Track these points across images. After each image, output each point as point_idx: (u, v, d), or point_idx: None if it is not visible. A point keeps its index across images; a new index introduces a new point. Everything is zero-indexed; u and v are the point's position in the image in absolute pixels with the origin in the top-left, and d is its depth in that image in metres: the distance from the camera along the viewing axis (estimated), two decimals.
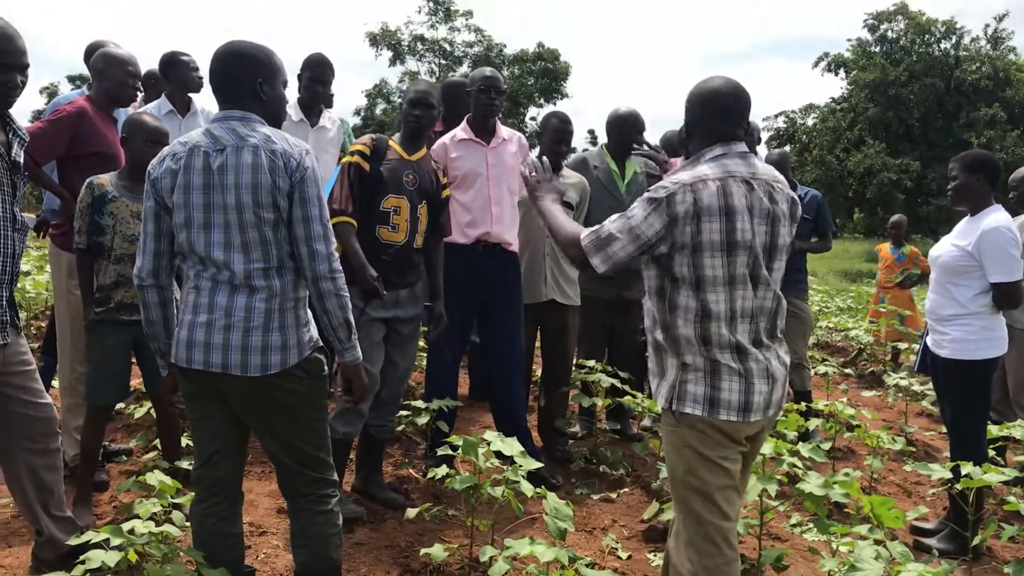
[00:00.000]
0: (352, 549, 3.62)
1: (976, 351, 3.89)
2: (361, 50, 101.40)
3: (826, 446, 4.36)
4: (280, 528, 3.77)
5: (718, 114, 2.56)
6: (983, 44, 40.92)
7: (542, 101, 41.39)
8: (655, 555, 3.72)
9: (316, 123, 5.02)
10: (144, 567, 2.80)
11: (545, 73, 41.32)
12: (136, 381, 4.42)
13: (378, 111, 41.85)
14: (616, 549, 3.79)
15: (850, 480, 3.31)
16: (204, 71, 4.53)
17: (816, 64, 43.72)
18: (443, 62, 41.97)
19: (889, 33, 41.71)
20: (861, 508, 3.27)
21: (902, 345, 8.16)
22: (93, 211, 3.65)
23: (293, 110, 5.01)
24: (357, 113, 42.43)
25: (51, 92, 44.47)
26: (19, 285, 5.61)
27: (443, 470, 3.44)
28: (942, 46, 41.07)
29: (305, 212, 2.57)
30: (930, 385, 6.44)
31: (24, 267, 9.11)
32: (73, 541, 2.85)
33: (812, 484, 3.29)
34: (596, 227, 2.55)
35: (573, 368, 5.10)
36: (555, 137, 4.80)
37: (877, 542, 2.95)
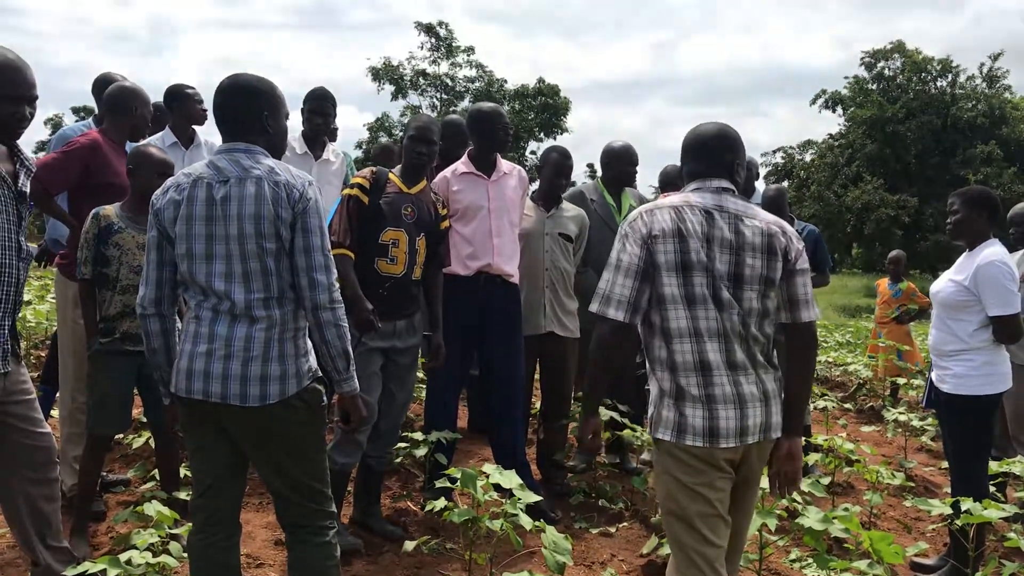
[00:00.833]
0: None
1: (978, 387, 3.89)
2: (364, 84, 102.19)
3: (825, 481, 4.35)
4: (277, 560, 3.75)
5: (698, 154, 2.74)
6: (979, 82, 41.37)
7: (542, 135, 41.70)
8: None
9: (320, 156, 5.06)
10: None
11: (545, 108, 41.67)
12: (135, 411, 4.41)
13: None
14: None
15: (850, 515, 3.30)
16: (207, 104, 4.60)
17: (814, 101, 44.17)
18: (445, 97, 42.35)
19: (886, 71, 42.17)
20: (861, 543, 3.26)
21: (900, 380, 8.15)
22: (99, 242, 3.68)
23: (297, 143, 5.06)
24: (359, 146, 42.71)
25: (55, 123, 44.78)
26: (20, 314, 5.62)
27: (441, 503, 3.43)
28: (938, 84, 41.50)
29: (307, 242, 2.59)
30: (930, 420, 6.43)
31: (25, 296, 9.12)
32: (70, 572, 2.84)
33: (811, 519, 3.28)
34: (594, 295, 2.65)
35: (572, 401, 5.10)
36: (555, 171, 4.85)
37: None
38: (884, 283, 8.93)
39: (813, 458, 4.67)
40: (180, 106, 4.94)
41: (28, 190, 2.94)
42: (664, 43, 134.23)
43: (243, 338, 2.56)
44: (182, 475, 4.06)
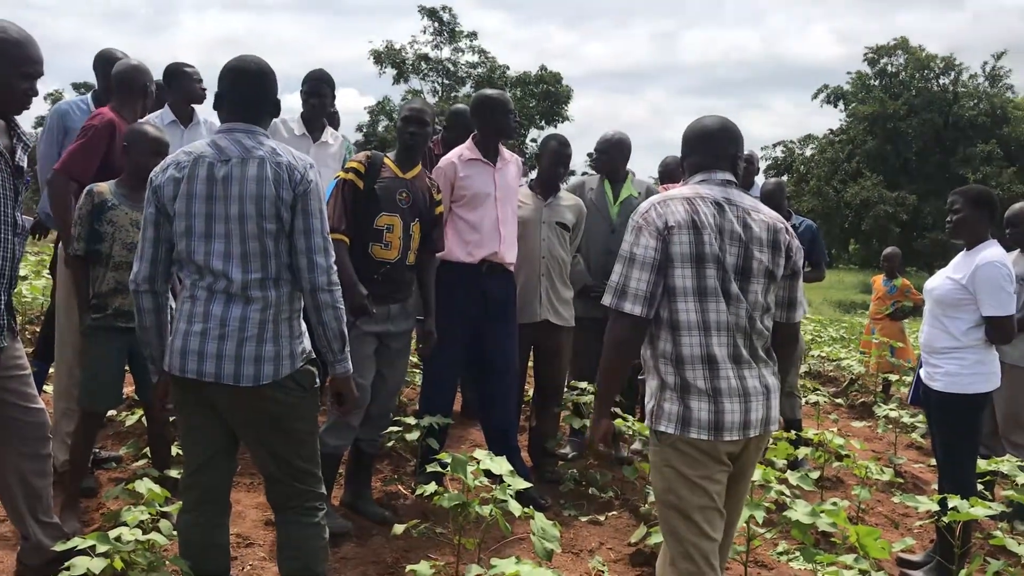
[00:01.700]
0: (338, 564, 3.62)
1: (968, 385, 3.91)
2: (365, 67, 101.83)
3: (815, 475, 4.37)
4: (267, 540, 3.77)
5: (703, 147, 2.73)
6: (981, 81, 41.33)
7: (543, 123, 41.61)
8: None
9: (318, 138, 5.06)
10: (129, 575, 2.80)
11: (547, 96, 41.58)
12: (128, 389, 4.42)
13: (380, 128, 42.00)
14: (603, 571, 3.79)
15: (838, 510, 3.32)
16: (207, 83, 4.59)
17: (816, 95, 44.08)
18: (446, 82, 42.23)
19: (889, 67, 42.10)
20: (848, 538, 3.28)
21: (893, 377, 8.17)
22: (93, 218, 3.67)
23: (296, 124, 5.05)
24: (359, 129, 42.60)
25: (56, 99, 44.59)
26: (16, 289, 5.61)
27: (432, 487, 3.44)
28: (941, 82, 41.45)
29: (307, 224, 2.61)
30: (920, 417, 6.46)
31: (21, 271, 9.10)
32: (59, 547, 2.86)
33: (800, 512, 3.30)
34: (607, 289, 2.60)
35: (565, 389, 5.11)
36: (553, 159, 4.85)
37: (863, 572, 2.96)
38: (879, 279, 8.94)
39: (803, 452, 4.69)
40: (179, 84, 4.91)
41: (25, 164, 2.95)
42: (667, 33, 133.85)
43: (238, 318, 2.57)
44: (174, 453, 4.08)
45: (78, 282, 3.76)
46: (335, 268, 2.67)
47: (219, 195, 2.57)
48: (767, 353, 2.67)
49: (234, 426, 2.71)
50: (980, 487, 4.24)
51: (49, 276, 4.89)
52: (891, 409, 6.48)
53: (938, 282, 4.08)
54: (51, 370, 4.72)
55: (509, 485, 3.24)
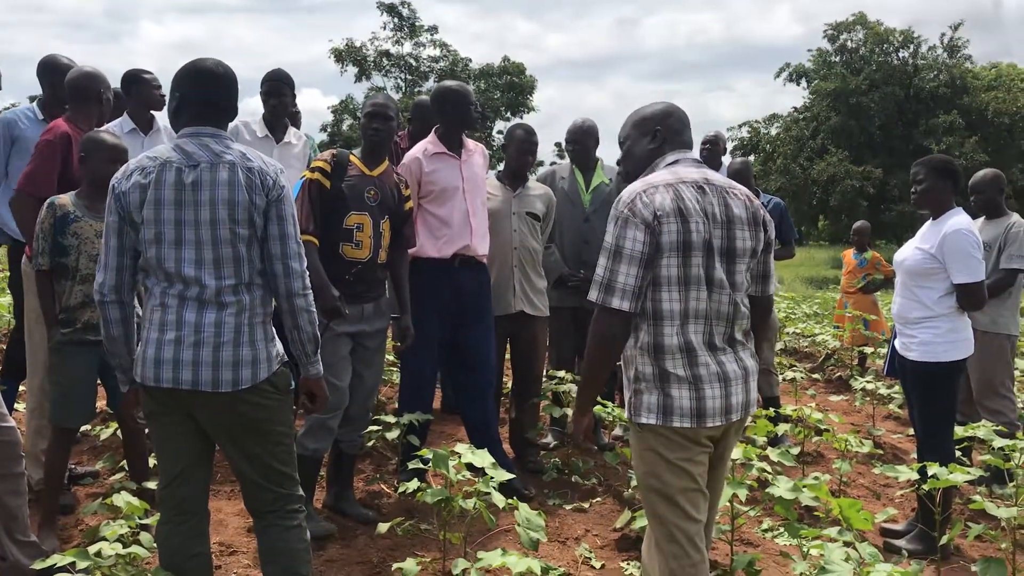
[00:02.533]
0: (323, 566, 3.59)
1: (943, 354, 3.95)
2: (327, 66, 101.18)
3: (795, 451, 4.39)
4: (250, 547, 3.73)
5: (667, 127, 2.68)
6: (940, 53, 41.67)
7: (508, 115, 41.53)
8: (628, 563, 3.73)
9: (281, 139, 5.01)
10: None
11: (511, 87, 41.50)
12: (101, 402, 4.36)
13: (345, 127, 41.76)
14: (589, 558, 3.79)
15: (819, 484, 3.34)
16: (166, 89, 4.52)
17: (778, 75, 44.29)
18: (409, 77, 42.02)
19: (848, 43, 42.32)
20: (831, 511, 3.30)
21: (868, 349, 8.25)
22: (56, 232, 3.61)
23: (258, 126, 5.00)
24: (324, 129, 42.32)
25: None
26: None
27: (414, 484, 3.43)
28: (900, 55, 41.76)
29: (282, 230, 2.60)
30: (897, 388, 6.52)
31: None
32: (38, 565, 2.82)
33: (782, 488, 3.32)
34: (592, 283, 2.54)
35: (543, 379, 5.11)
36: (520, 149, 4.83)
37: (847, 544, 2.98)
38: (850, 253, 9.02)
39: (783, 428, 4.72)
40: (138, 91, 4.85)
41: None
42: (628, 19, 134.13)
43: (213, 324, 2.54)
44: (152, 465, 4.02)
45: (44, 297, 3.69)
46: (307, 273, 2.67)
47: (189, 201, 2.53)
48: (745, 336, 2.66)
49: (212, 433, 2.68)
50: (958, 453, 4.29)
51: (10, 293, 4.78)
52: (867, 382, 6.54)
53: (907, 253, 4.11)
54: (21, 388, 4.64)
55: (492, 477, 3.24)
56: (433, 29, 42.02)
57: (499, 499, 3.17)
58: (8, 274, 4.51)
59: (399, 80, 42.09)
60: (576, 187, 5.23)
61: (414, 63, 42.07)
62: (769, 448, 4.08)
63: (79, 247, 3.61)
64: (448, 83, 4.62)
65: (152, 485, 3.63)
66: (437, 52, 42.25)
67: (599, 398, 4.68)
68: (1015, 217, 4.92)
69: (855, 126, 39.81)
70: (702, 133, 6.64)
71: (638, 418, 2.54)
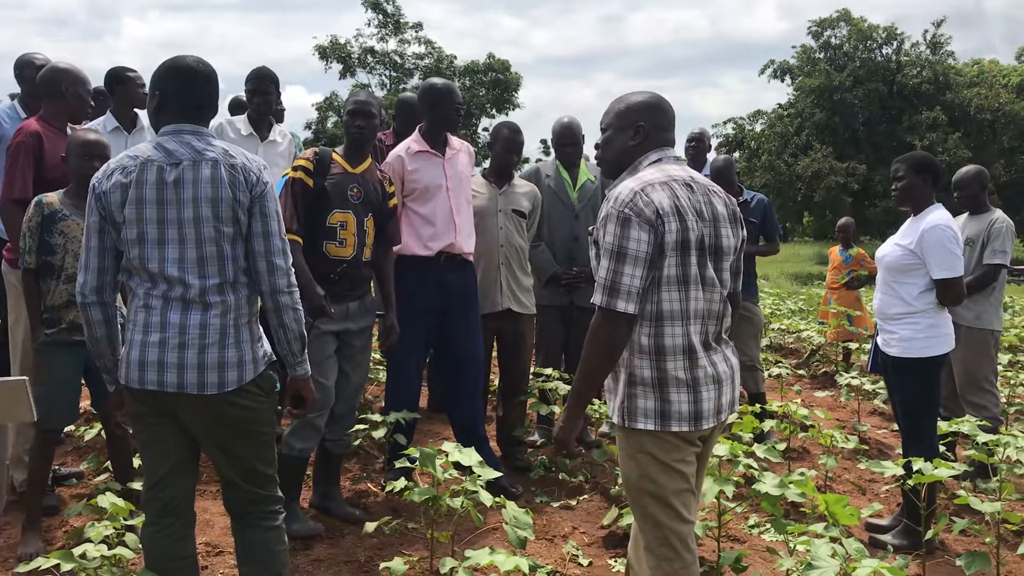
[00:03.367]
0: (311, 566, 3.58)
1: (924, 349, 3.97)
2: (311, 64, 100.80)
3: (781, 447, 4.41)
4: None
5: (661, 121, 2.61)
6: (923, 49, 41.87)
7: (494, 112, 41.48)
8: (616, 560, 3.73)
9: (266, 137, 4.99)
10: None
11: (496, 84, 41.43)
12: (84, 403, 4.33)
13: (329, 124, 41.60)
14: (577, 556, 3.79)
15: (805, 480, 3.35)
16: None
17: (763, 71, 44.43)
18: (394, 74, 41.89)
19: (832, 40, 42.49)
20: (817, 507, 3.31)
21: (852, 345, 8.29)
22: (43, 230, 3.58)
23: (243, 124, 4.98)
24: (308, 127, 42.14)
25: None
26: None
27: (402, 483, 3.42)
28: (884, 51, 41.95)
29: (266, 227, 2.57)
30: (881, 384, 6.55)
31: None
32: (22, 568, 2.79)
33: (768, 485, 3.33)
34: (596, 286, 2.45)
35: (530, 376, 5.11)
36: (506, 147, 4.83)
37: (833, 540, 2.99)
38: (835, 250, 9.07)
39: (768, 424, 4.74)
40: (122, 90, 4.82)
41: None
42: (613, 16, 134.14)
43: (198, 325, 2.51)
44: (136, 465, 4.00)
45: (29, 296, 3.67)
46: (293, 270, 2.65)
47: (171, 199, 2.50)
48: (727, 333, 2.66)
49: (196, 434, 2.66)
50: (942, 448, 4.31)
51: None
52: (852, 377, 6.57)
53: (888, 249, 4.14)
54: None
55: (479, 476, 3.24)
56: (418, 26, 41.91)
57: (486, 497, 3.17)
58: None
59: (384, 77, 41.96)
60: (563, 185, 5.23)
61: (399, 60, 41.93)
62: (755, 444, 4.09)
63: (65, 246, 3.59)
64: (435, 80, 4.60)
65: (137, 486, 3.61)
66: (422, 49, 42.14)
67: None
68: (998, 213, 4.96)
69: (839, 122, 39.99)
70: (687, 130, 6.66)
71: (633, 423, 2.49)
